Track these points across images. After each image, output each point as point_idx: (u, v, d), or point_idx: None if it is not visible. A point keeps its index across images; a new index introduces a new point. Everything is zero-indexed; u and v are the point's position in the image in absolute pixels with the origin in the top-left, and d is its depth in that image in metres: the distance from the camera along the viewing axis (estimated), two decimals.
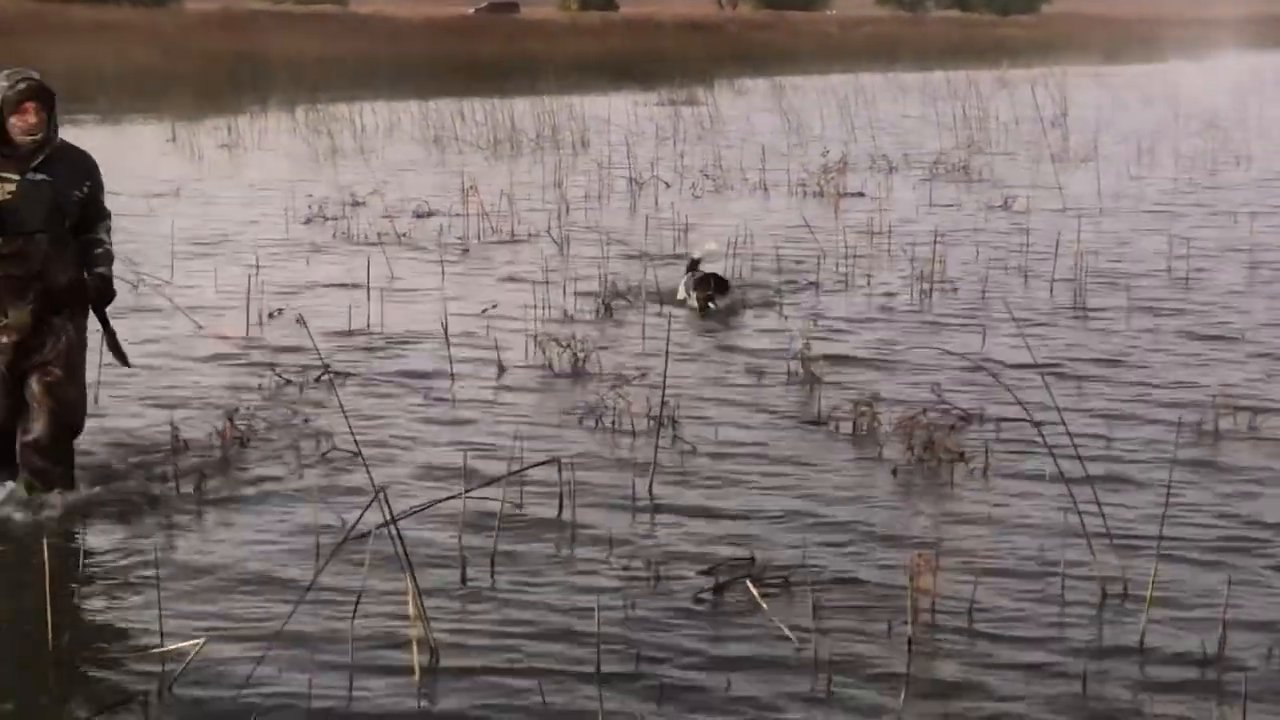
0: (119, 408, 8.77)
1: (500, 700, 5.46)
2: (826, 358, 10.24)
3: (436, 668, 5.67)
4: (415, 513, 6.63)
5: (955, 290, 12.93)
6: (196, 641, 5.63)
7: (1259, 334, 11.24)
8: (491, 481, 7.17)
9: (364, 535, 6.34)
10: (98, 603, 6.37)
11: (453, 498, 6.88)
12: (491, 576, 6.53)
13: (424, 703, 5.47)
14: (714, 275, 12.29)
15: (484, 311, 11.89)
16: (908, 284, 13.05)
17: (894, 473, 8.00)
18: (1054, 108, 31.30)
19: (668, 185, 20.03)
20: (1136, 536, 6.86)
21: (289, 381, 9.73)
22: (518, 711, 5.40)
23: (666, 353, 9.04)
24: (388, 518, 5.81)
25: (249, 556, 6.78)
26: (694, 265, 12.65)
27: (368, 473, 6.98)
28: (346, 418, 7.91)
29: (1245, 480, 7.81)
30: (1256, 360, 10.42)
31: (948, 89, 35.84)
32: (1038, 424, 7.60)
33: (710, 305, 12.00)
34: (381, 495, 5.79)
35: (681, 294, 12.32)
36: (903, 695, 5.48)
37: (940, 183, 20.68)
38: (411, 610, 5.73)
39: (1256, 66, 57.21)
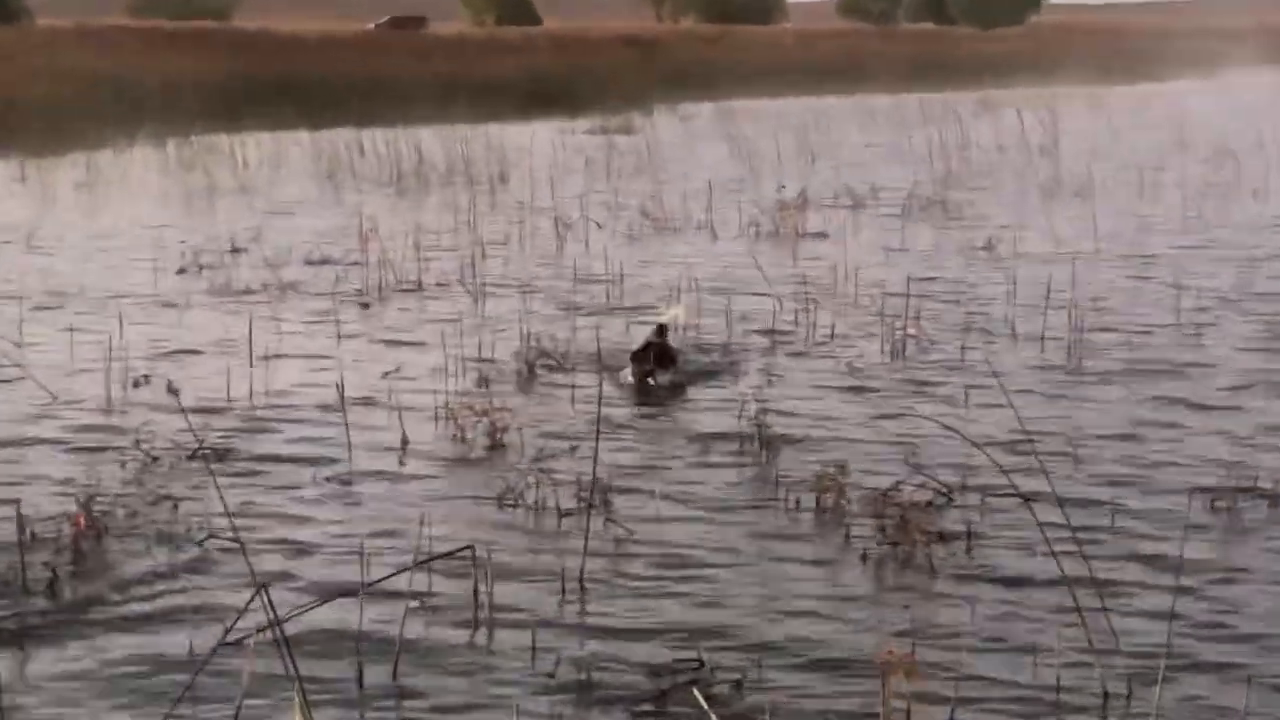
0: None
1: None
2: (784, 427, 10.26)
3: None
4: (302, 613, 6.59)
5: (931, 347, 12.99)
6: None
7: (1278, 399, 11.30)
8: (394, 575, 7.12)
9: (243, 640, 6.28)
10: None
11: (346, 594, 6.83)
12: (395, 690, 6.47)
13: None
14: (657, 344, 12.02)
15: (386, 376, 11.85)
16: (877, 340, 13.11)
17: (863, 558, 8.01)
18: (1043, 134, 31.66)
19: (599, 226, 20.07)
20: (1142, 641, 6.86)
21: (156, 460, 9.66)
22: None
23: (598, 423, 9.03)
24: (271, 618, 5.76)
25: (111, 665, 6.71)
26: (662, 331, 12.35)
27: (249, 566, 6.92)
28: (224, 502, 7.85)
29: (1265, 575, 7.83)
30: (1276, 431, 10.45)
31: (921, 113, 36.19)
32: (1028, 501, 7.64)
33: (649, 381, 11.79)
34: (263, 593, 5.74)
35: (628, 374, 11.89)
36: None
37: (913, 221, 20.84)
38: None
39: (1274, 84, 58.02)
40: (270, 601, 5.78)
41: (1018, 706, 6.35)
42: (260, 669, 6.27)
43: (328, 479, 9.44)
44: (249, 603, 6.02)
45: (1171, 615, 6.65)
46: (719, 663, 6.65)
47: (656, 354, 11.87)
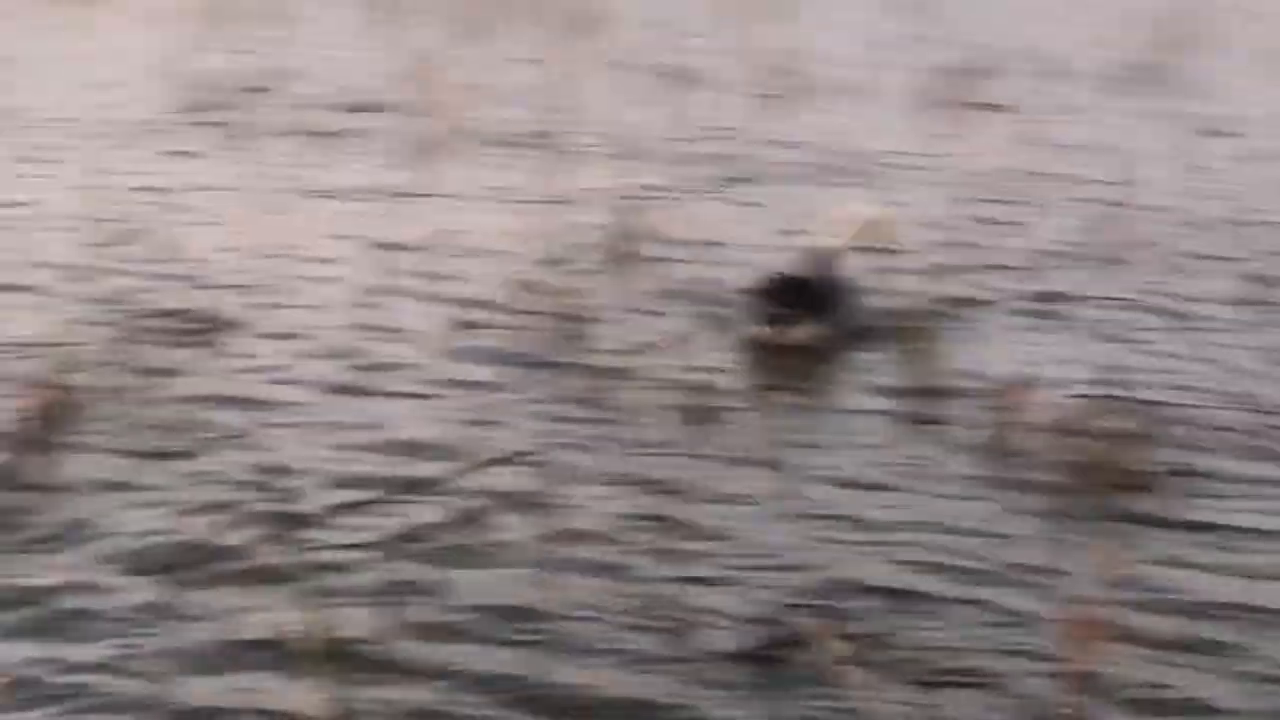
0: None
1: None
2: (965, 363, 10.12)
3: None
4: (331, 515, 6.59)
5: (1161, 264, 12.77)
6: None
7: None
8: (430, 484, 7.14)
9: None
10: None
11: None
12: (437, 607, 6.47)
13: None
14: (792, 280, 10.32)
15: (430, 242, 11.95)
16: (1084, 237, 12.98)
17: (1039, 501, 7.97)
18: None
19: (721, 84, 20.06)
20: None
21: (142, 330, 9.79)
22: None
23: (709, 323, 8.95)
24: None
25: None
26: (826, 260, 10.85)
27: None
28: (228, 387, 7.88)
29: None
30: None
31: None
32: None
33: (777, 335, 10.18)
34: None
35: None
36: None
37: (1122, 97, 20.66)
38: None
39: None
40: None
41: (1253, 687, 6.23)
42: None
43: (352, 367, 9.50)
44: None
45: None
46: (848, 613, 6.66)
47: (781, 291, 10.27)
